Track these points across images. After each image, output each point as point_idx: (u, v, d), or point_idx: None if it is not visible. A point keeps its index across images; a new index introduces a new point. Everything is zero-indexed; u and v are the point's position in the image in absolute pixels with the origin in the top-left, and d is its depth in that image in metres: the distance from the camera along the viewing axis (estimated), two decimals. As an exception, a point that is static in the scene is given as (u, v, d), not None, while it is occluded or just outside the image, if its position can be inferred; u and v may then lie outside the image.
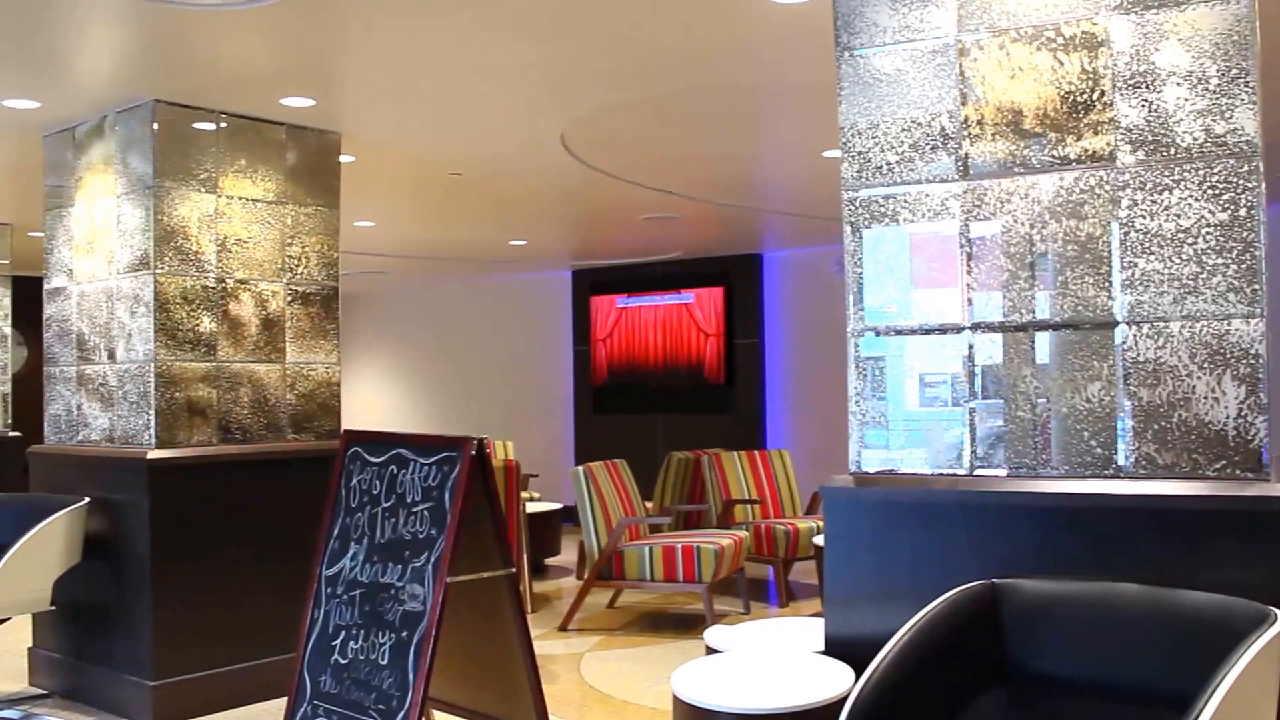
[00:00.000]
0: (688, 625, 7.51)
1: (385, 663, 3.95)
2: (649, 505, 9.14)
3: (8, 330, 9.37)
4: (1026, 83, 3.05)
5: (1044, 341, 3.03)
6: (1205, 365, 2.82)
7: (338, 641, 4.17)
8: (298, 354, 6.05)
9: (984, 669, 2.72)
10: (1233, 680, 2.10)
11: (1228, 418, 2.79)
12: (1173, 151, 2.86)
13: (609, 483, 7.94)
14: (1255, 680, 2.19)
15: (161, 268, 5.52)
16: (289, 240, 6.01)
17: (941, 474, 3.16)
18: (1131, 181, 2.91)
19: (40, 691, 5.93)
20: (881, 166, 3.26)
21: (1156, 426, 2.87)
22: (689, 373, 12.15)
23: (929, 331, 3.20)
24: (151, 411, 5.48)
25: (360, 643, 4.08)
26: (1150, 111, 2.89)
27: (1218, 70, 2.81)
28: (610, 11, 4.40)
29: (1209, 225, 2.82)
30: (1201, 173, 2.83)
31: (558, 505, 10.19)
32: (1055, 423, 3.01)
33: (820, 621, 3.37)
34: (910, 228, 3.23)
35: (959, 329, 3.15)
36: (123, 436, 5.66)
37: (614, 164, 7.26)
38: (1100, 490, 2.87)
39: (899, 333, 3.25)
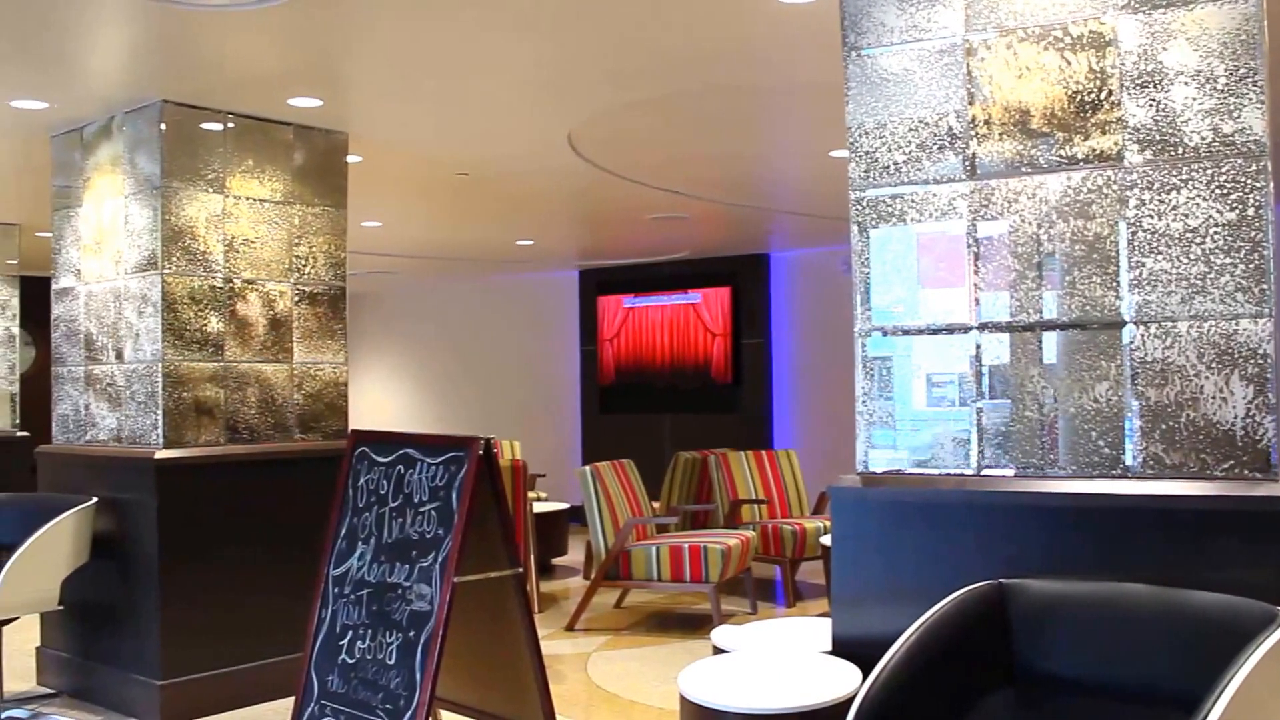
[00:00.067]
0: (695, 625, 7.51)
1: (392, 662, 3.95)
2: (656, 505, 9.14)
3: (16, 330, 9.39)
4: (1034, 82, 3.04)
5: (1051, 341, 3.03)
6: (1213, 365, 2.81)
7: (345, 641, 4.18)
8: (305, 354, 6.05)
9: (991, 669, 2.71)
10: (1241, 681, 2.10)
11: (1236, 418, 2.78)
12: (1180, 151, 2.85)
13: (616, 483, 7.95)
14: (1263, 681, 2.18)
15: (169, 268, 5.53)
16: (296, 240, 6.02)
17: (949, 474, 3.16)
18: (1139, 181, 2.90)
19: (48, 690, 5.95)
20: (889, 166, 3.26)
21: (1164, 426, 2.86)
22: (696, 373, 12.14)
23: (936, 331, 3.20)
24: (159, 411, 5.49)
25: (367, 642, 4.08)
26: (1158, 111, 2.88)
27: (1225, 70, 2.81)
28: (617, 11, 4.40)
29: (1217, 225, 2.81)
30: (1209, 172, 2.82)
31: (565, 505, 10.19)
32: (1063, 423, 3.00)
33: (827, 621, 3.37)
34: (917, 227, 3.22)
35: (966, 329, 3.15)
36: (130, 436, 5.67)
37: (621, 164, 7.26)
38: (1108, 490, 2.86)
39: (906, 333, 3.25)
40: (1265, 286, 2.77)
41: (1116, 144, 2.93)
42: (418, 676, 3.84)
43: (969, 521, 3.03)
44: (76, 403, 6.08)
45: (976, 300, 3.13)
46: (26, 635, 6.18)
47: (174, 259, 5.55)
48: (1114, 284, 2.93)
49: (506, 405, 13.86)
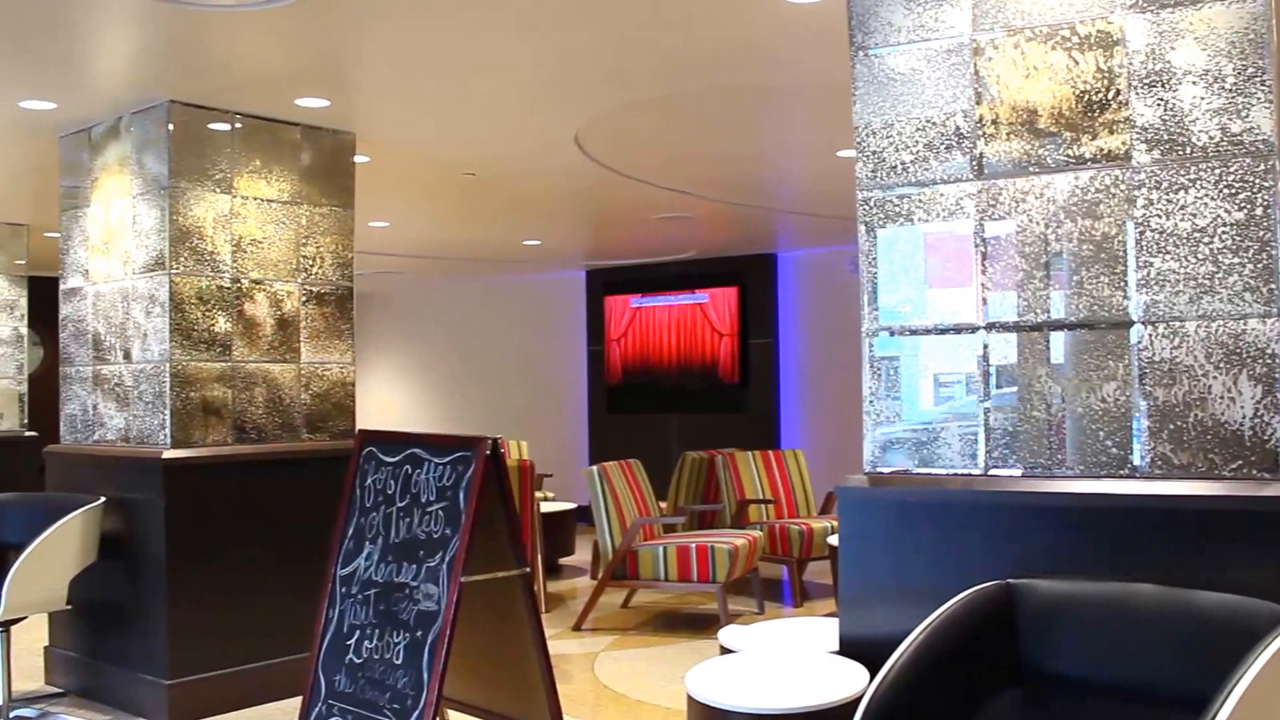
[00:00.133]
0: (702, 625, 7.51)
1: (400, 662, 3.96)
2: (663, 505, 9.14)
3: (24, 330, 9.41)
4: (1041, 82, 3.04)
5: (1059, 341, 3.02)
6: (1221, 365, 2.80)
7: (352, 641, 4.18)
8: (312, 354, 6.06)
9: (999, 669, 2.71)
10: (1249, 681, 2.09)
11: (1244, 418, 2.77)
12: (1188, 150, 2.85)
13: (623, 483, 7.95)
14: (1272, 681, 2.18)
15: (177, 268, 5.54)
16: (304, 240, 6.03)
17: (956, 474, 3.16)
18: (1147, 181, 2.89)
19: (56, 690, 5.96)
20: (896, 166, 3.25)
21: (1172, 426, 2.85)
22: (703, 372, 12.14)
23: (943, 331, 3.19)
24: (167, 411, 5.50)
25: (375, 642, 4.09)
26: (1166, 110, 2.87)
27: (1234, 69, 2.80)
28: (623, 11, 4.40)
29: (1225, 224, 2.80)
30: (1217, 172, 2.81)
31: (572, 505, 10.20)
32: (1070, 422, 3.00)
33: (834, 621, 3.37)
34: (925, 227, 3.22)
35: (974, 329, 3.14)
36: (138, 436, 5.68)
37: (627, 164, 7.26)
38: (1116, 490, 2.86)
39: (913, 332, 3.24)
40: (1273, 286, 2.76)
41: (1124, 144, 2.92)
42: (425, 676, 3.85)
43: (976, 521, 3.03)
44: (84, 403, 6.09)
45: (984, 300, 3.13)
46: (34, 635, 6.20)
47: (181, 259, 5.56)
48: (1122, 284, 2.93)
49: (513, 405, 13.87)
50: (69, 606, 5.45)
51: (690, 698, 3.03)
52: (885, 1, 3.28)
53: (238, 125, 5.78)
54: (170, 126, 5.54)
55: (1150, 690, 2.51)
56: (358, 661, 4.12)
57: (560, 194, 8.42)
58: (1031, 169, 3.05)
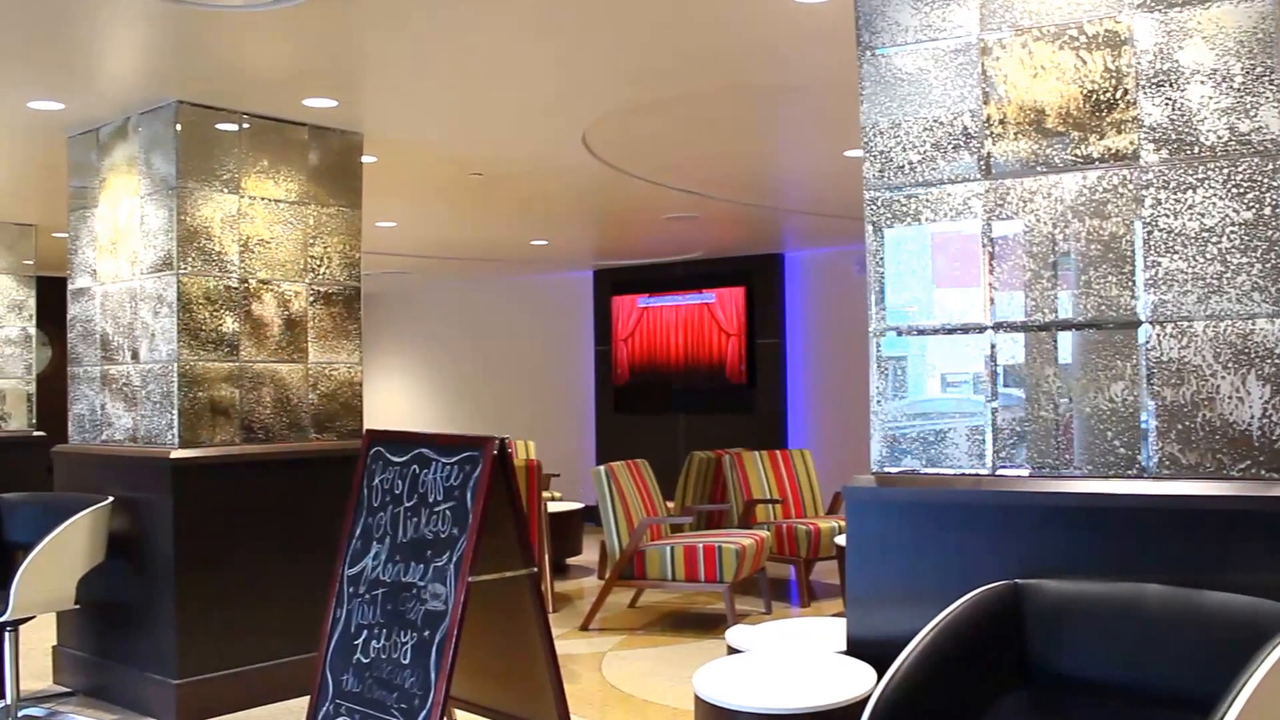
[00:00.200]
0: (709, 625, 7.50)
1: (407, 662, 3.96)
2: (670, 505, 9.14)
3: (32, 330, 9.43)
4: (1049, 81, 3.03)
5: (1067, 341, 3.02)
6: (1229, 365, 2.80)
7: (360, 640, 4.19)
8: (320, 354, 6.07)
9: (1007, 670, 2.71)
10: (1258, 682, 2.09)
11: (1252, 418, 2.77)
12: (1197, 150, 2.84)
13: (630, 482, 7.95)
14: (1281, 682, 2.17)
15: (184, 268, 5.55)
16: (311, 241, 6.04)
17: (964, 474, 3.15)
18: (1155, 180, 2.89)
19: (65, 689, 5.98)
20: (903, 166, 3.25)
21: (1180, 426, 2.85)
22: (710, 372, 12.14)
23: (951, 331, 3.19)
24: (174, 411, 5.51)
25: (382, 642, 4.09)
26: (1174, 110, 2.87)
27: (1242, 68, 2.79)
28: (631, 12, 4.40)
29: (1233, 224, 2.80)
30: (1226, 171, 2.81)
31: (579, 505, 10.20)
32: (1078, 422, 2.99)
33: (842, 621, 3.36)
34: (932, 227, 3.22)
35: (981, 328, 3.14)
36: (146, 436, 5.70)
37: (635, 164, 7.26)
38: (1123, 490, 2.85)
39: (921, 332, 3.24)
40: (1282, 286, 2.76)
41: (1132, 143, 2.92)
42: (433, 676, 3.85)
43: (984, 521, 3.02)
44: (92, 402, 6.10)
45: (991, 300, 3.12)
46: (43, 634, 6.21)
47: (189, 259, 5.57)
48: (1130, 283, 2.92)
49: (521, 405, 13.88)
50: (77, 606, 5.45)
51: (698, 697, 3.03)
52: (893, 1, 3.28)
53: (245, 125, 5.79)
54: (178, 127, 5.55)
55: (1158, 691, 2.50)
56: (365, 661, 4.13)
57: (568, 194, 8.42)
58: (1039, 169, 3.04)
